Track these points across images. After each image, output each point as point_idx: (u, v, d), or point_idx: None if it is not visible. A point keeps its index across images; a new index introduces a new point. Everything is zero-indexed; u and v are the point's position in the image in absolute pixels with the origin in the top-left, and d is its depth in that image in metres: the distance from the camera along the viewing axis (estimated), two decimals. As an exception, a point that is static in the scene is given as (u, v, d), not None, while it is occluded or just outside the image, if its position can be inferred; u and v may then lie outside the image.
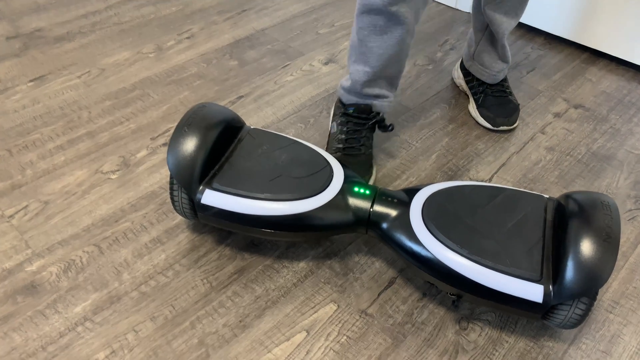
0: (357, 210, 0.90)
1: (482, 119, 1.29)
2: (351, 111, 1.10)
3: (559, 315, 0.79)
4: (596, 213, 0.79)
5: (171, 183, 0.92)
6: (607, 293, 0.95)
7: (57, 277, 0.93)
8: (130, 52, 1.51)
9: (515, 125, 1.29)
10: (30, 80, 1.38)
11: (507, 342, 0.87)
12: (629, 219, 1.09)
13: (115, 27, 1.61)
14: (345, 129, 1.10)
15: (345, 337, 0.87)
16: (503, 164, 1.21)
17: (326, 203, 0.88)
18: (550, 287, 0.77)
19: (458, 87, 1.42)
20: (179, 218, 1.04)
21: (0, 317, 0.87)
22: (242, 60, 1.50)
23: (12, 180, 1.11)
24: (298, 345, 0.85)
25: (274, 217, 0.86)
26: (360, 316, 0.90)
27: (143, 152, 1.19)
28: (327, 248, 1.00)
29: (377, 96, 1.09)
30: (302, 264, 0.97)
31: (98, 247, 0.98)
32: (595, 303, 0.90)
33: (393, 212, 0.89)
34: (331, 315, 0.90)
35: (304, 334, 0.87)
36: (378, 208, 0.89)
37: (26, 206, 1.05)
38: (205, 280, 0.94)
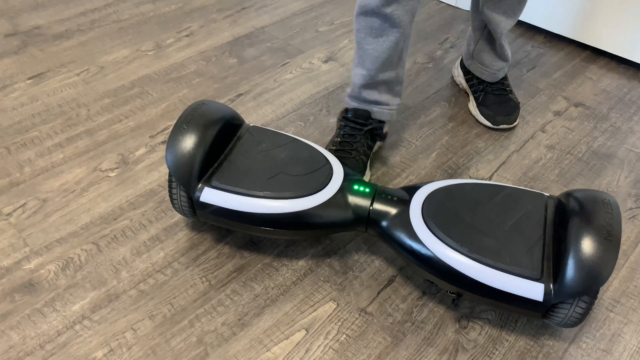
0: (356, 208, 0.89)
1: (482, 117, 1.29)
2: (350, 115, 1.10)
3: (560, 314, 0.79)
4: (597, 211, 0.78)
5: (170, 181, 0.91)
6: (608, 292, 0.95)
7: (55, 275, 0.93)
8: (129, 49, 1.51)
9: (515, 123, 1.29)
10: (29, 78, 1.38)
11: (507, 340, 0.87)
12: (630, 218, 1.09)
13: (114, 25, 1.61)
14: (342, 132, 1.11)
15: (344, 336, 0.86)
16: (503, 163, 1.20)
17: (326, 201, 0.87)
18: (551, 285, 0.76)
19: (458, 85, 1.42)
20: (178, 216, 1.04)
21: (-2, 315, 0.87)
22: (241, 58, 1.50)
23: (10, 178, 1.10)
24: (297, 343, 0.85)
25: (273, 215, 0.86)
26: (359, 315, 0.89)
27: (142, 150, 1.18)
28: (327, 246, 1.00)
29: (376, 102, 1.09)
30: (301, 262, 0.97)
31: (96, 245, 0.98)
32: (595, 302, 0.90)
33: (393, 210, 0.88)
34: (330, 314, 0.89)
35: (303, 332, 0.87)
36: (378, 206, 0.89)
37: (24, 204, 1.05)
38: (204, 279, 0.93)
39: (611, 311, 0.92)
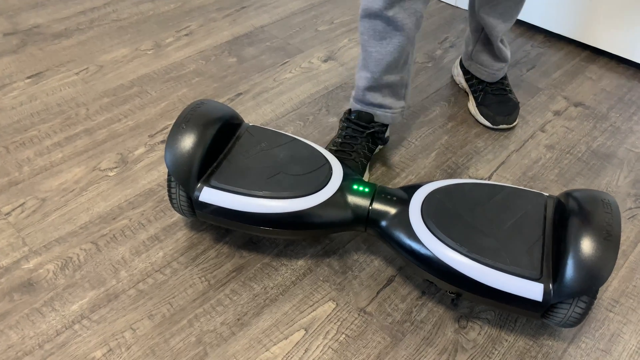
0: (356, 208, 0.89)
1: (482, 117, 1.29)
2: (353, 117, 1.10)
3: (559, 314, 0.79)
4: (596, 211, 0.78)
5: (169, 180, 0.91)
6: (607, 292, 0.95)
7: (54, 274, 0.92)
8: (129, 49, 1.50)
9: (515, 123, 1.29)
10: (28, 77, 1.38)
11: (506, 340, 0.87)
12: (629, 218, 1.09)
13: (114, 24, 1.61)
14: (343, 133, 1.11)
15: (343, 336, 0.86)
16: (503, 162, 1.20)
17: (325, 201, 0.87)
18: (550, 285, 0.76)
19: (457, 85, 1.41)
20: (177, 216, 1.04)
21: (-4, 314, 0.86)
22: (240, 57, 1.49)
23: (9, 177, 1.10)
24: (296, 343, 0.85)
25: (273, 215, 0.86)
26: (359, 314, 0.89)
27: (141, 150, 1.18)
28: (326, 246, 1.00)
29: (380, 105, 1.09)
30: (300, 262, 0.97)
31: (95, 244, 0.98)
32: (595, 302, 0.90)
33: (392, 210, 0.88)
34: (330, 314, 0.89)
35: (303, 332, 0.86)
36: (377, 206, 0.89)
37: (23, 203, 1.05)
38: (203, 278, 0.93)
39: (610, 311, 0.92)
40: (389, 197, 0.90)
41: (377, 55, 1.01)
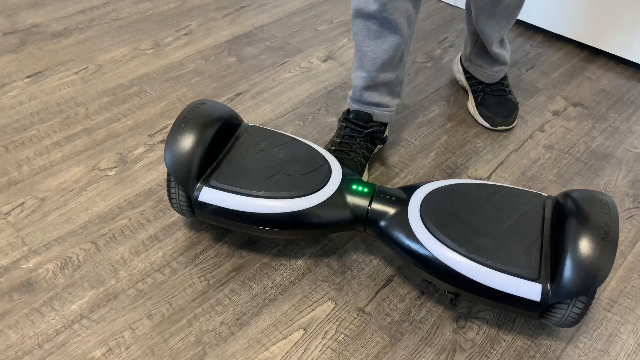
0: (355, 208, 0.89)
1: (481, 117, 1.29)
2: (351, 117, 1.10)
3: (557, 314, 0.79)
4: (595, 211, 0.78)
5: (168, 180, 0.91)
6: (605, 292, 0.95)
7: (54, 274, 0.93)
8: (128, 48, 1.50)
9: (513, 124, 1.29)
10: (27, 77, 1.38)
11: (504, 340, 0.87)
12: (627, 218, 1.09)
13: (113, 23, 1.60)
14: (342, 132, 1.11)
15: (342, 335, 0.87)
16: (502, 162, 1.20)
17: (324, 201, 0.88)
18: (548, 285, 0.77)
19: (458, 82, 1.41)
20: (176, 215, 1.04)
21: (-4, 314, 0.87)
22: (240, 57, 1.49)
23: (8, 177, 1.10)
24: (295, 343, 0.85)
25: (272, 215, 0.86)
26: (357, 314, 0.90)
27: (140, 149, 1.18)
28: (325, 246, 1.00)
29: (377, 104, 1.09)
30: (299, 262, 0.97)
31: (95, 244, 0.98)
32: (593, 302, 0.90)
33: (391, 210, 0.88)
34: (329, 314, 0.89)
35: (302, 332, 0.87)
36: (376, 206, 0.89)
37: (22, 203, 1.05)
38: (202, 278, 0.93)
39: (608, 311, 0.92)
40: (388, 197, 0.90)
41: (373, 54, 1.02)
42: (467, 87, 1.36)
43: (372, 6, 0.95)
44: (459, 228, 0.83)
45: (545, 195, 0.91)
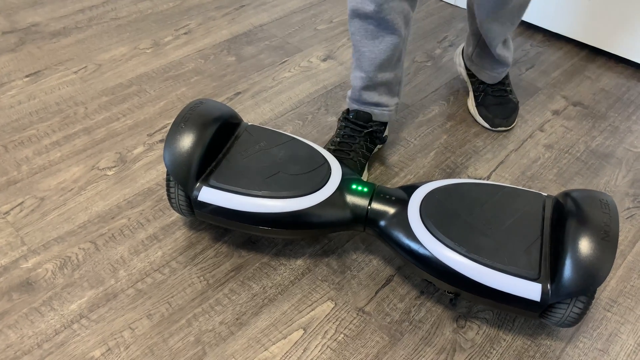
0: (354, 208, 0.89)
1: (481, 118, 1.29)
2: (351, 117, 1.10)
3: (557, 314, 0.79)
4: (594, 211, 0.78)
5: (168, 180, 0.91)
6: (605, 291, 0.95)
7: (53, 274, 0.92)
8: (127, 47, 1.50)
9: (513, 125, 1.29)
10: (26, 76, 1.38)
11: (504, 340, 0.87)
12: (627, 217, 1.09)
13: (112, 22, 1.60)
14: (342, 132, 1.11)
15: (342, 335, 0.86)
16: (501, 162, 1.20)
17: (324, 200, 0.87)
18: (548, 285, 0.76)
19: (459, 74, 1.40)
20: (176, 215, 1.04)
21: (-5, 314, 0.86)
22: (239, 56, 1.49)
23: (7, 177, 1.10)
24: (295, 343, 0.85)
25: (272, 215, 0.86)
26: (357, 314, 0.90)
27: (140, 149, 1.18)
28: (325, 246, 1.00)
29: (377, 104, 1.09)
30: (299, 262, 0.97)
31: (94, 244, 0.98)
32: (593, 302, 0.90)
33: (391, 210, 0.88)
34: (328, 313, 0.89)
35: (301, 331, 0.87)
36: (376, 206, 0.89)
37: (22, 202, 1.05)
38: (202, 278, 0.93)
39: (608, 311, 0.92)
40: (387, 196, 0.90)
41: (371, 54, 1.02)
42: (468, 83, 1.35)
43: (369, 7, 0.95)
44: (458, 228, 0.83)
45: (545, 194, 0.91)
